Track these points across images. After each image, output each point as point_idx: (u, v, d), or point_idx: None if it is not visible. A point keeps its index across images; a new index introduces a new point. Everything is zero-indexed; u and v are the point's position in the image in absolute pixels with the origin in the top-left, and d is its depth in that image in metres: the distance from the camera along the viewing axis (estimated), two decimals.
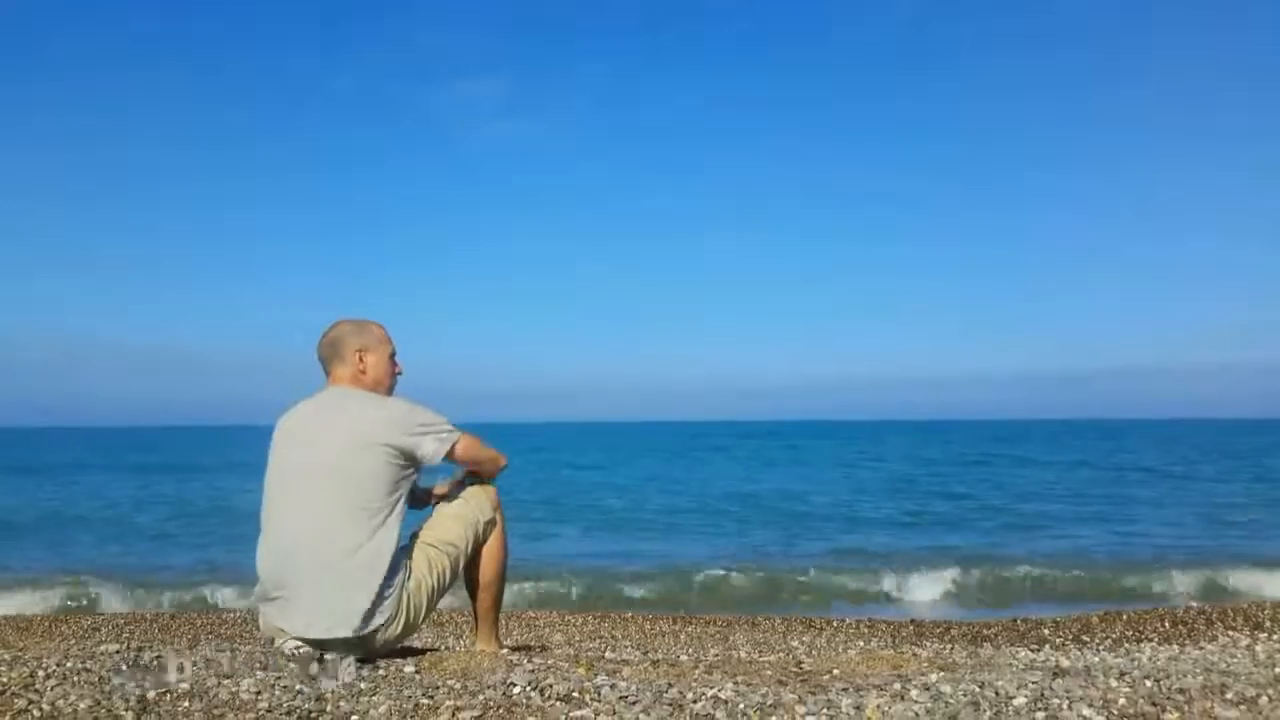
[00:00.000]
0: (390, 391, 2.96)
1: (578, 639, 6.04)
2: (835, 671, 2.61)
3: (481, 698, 2.21)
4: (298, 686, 2.29)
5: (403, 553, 2.80)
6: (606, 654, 3.91)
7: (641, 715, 2.09)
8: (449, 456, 2.90)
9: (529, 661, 2.71)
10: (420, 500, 3.00)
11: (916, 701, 2.16)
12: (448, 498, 3.01)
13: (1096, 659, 3.46)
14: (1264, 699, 2.22)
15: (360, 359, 2.91)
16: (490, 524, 2.98)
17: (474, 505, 2.97)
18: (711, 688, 2.29)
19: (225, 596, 8.70)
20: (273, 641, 2.73)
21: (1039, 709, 2.12)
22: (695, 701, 2.18)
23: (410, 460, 2.77)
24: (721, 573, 9.71)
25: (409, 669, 2.55)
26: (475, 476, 3.07)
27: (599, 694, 2.24)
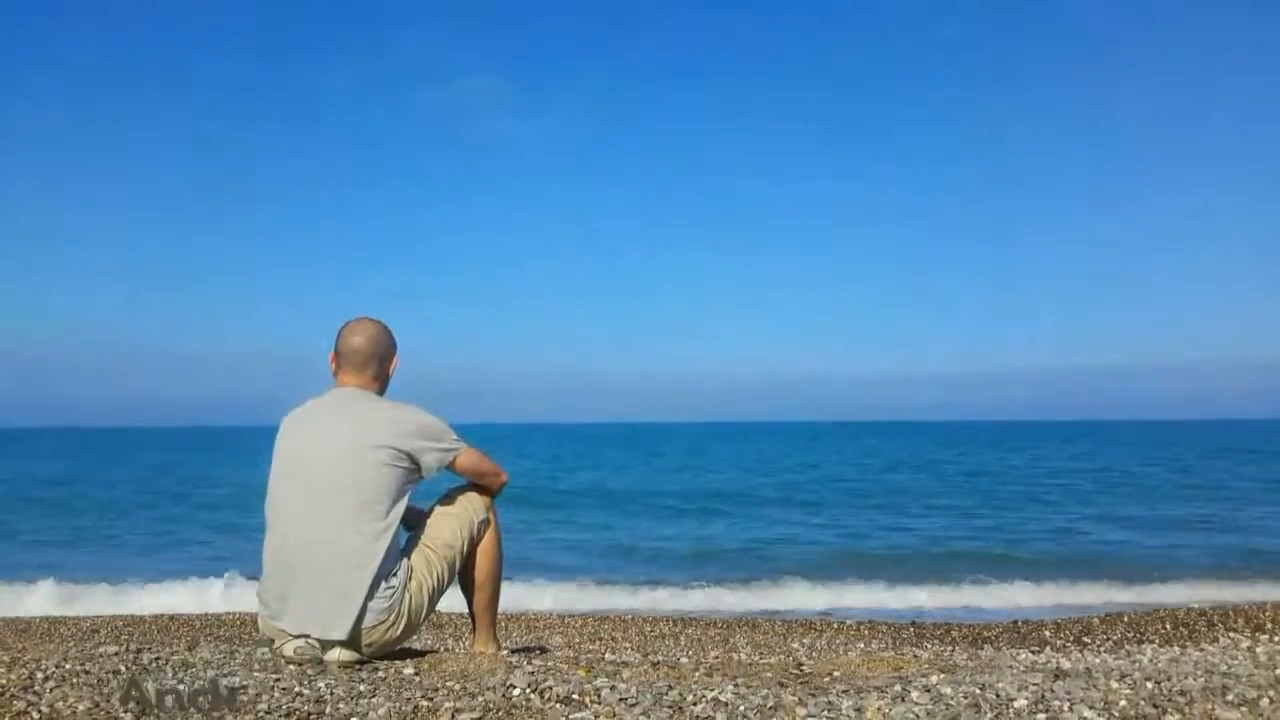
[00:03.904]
0: (382, 392, 2.96)
1: (577, 641, 6.05)
2: (836, 673, 2.60)
3: (481, 699, 2.21)
4: (297, 688, 2.28)
5: (402, 554, 2.80)
6: (606, 656, 3.90)
7: (641, 717, 2.08)
8: (452, 467, 2.90)
9: (529, 663, 2.71)
10: (412, 520, 2.93)
11: (917, 703, 2.16)
12: (441, 502, 3.00)
13: (1097, 661, 3.45)
14: (1265, 700, 2.22)
15: (382, 366, 2.92)
16: (484, 523, 2.98)
17: (468, 505, 2.97)
18: (712, 690, 2.29)
19: (224, 598, 8.69)
20: (273, 643, 2.73)
21: (1040, 711, 2.12)
22: (695, 704, 2.17)
23: (415, 466, 2.77)
24: None
25: (408, 670, 2.54)
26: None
27: (599, 696, 2.23)
